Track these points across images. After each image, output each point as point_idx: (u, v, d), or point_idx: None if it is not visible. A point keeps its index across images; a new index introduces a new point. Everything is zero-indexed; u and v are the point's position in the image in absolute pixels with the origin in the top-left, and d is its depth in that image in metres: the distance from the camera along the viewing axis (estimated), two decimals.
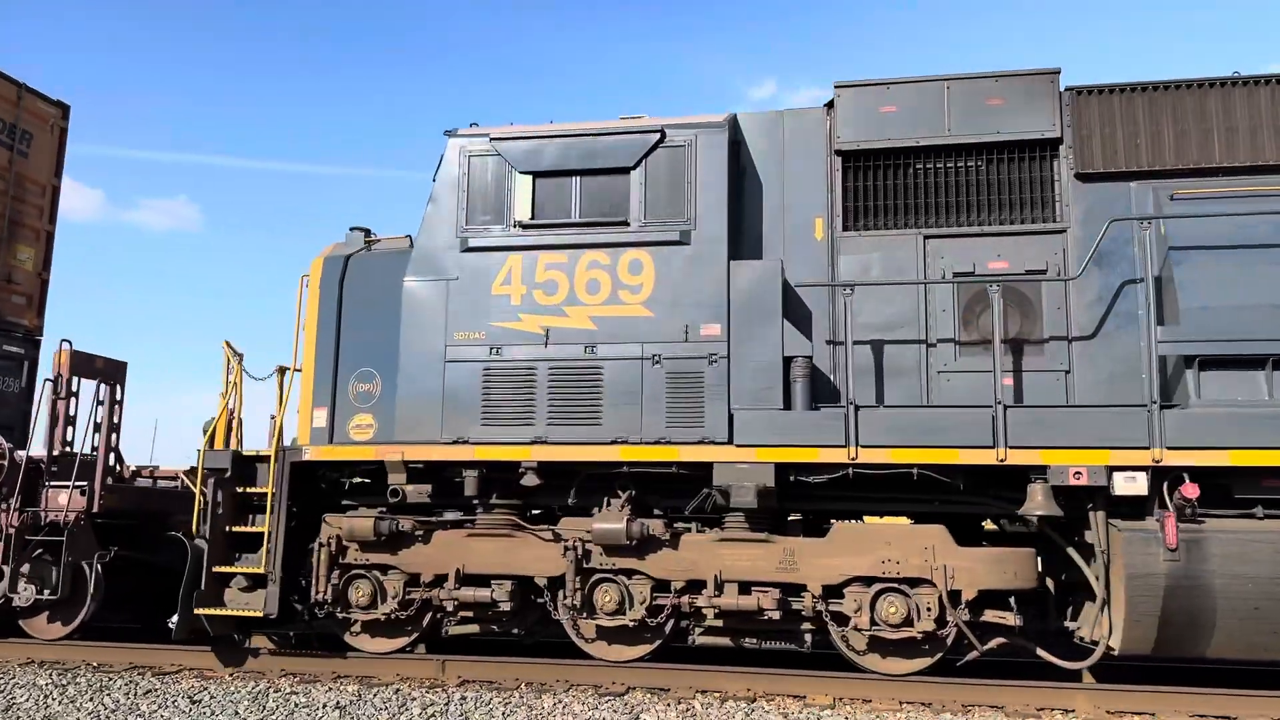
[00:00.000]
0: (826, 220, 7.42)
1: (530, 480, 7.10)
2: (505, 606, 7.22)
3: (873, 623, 6.77)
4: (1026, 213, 7.17)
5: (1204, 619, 6.15)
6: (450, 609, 7.32)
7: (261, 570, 7.46)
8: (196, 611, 7.45)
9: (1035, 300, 7.05)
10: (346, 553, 7.49)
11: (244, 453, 7.74)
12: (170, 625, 7.53)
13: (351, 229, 8.04)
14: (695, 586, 7.03)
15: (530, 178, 7.40)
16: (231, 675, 7.45)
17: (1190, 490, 6.20)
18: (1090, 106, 7.14)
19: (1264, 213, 6.60)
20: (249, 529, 7.65)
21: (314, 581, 7.43)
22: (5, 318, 9.40)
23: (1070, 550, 6.73)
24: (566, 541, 7.11)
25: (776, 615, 6.83)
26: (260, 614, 7.41)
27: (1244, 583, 6.07)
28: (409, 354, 7.36)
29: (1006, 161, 7.23)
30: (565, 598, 7.12)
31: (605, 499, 7.22)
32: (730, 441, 6.79)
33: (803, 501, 7.07)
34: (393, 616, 7.41)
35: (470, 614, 7.41)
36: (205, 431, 7.91)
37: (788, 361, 6.87)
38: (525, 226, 7.35)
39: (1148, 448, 6.26)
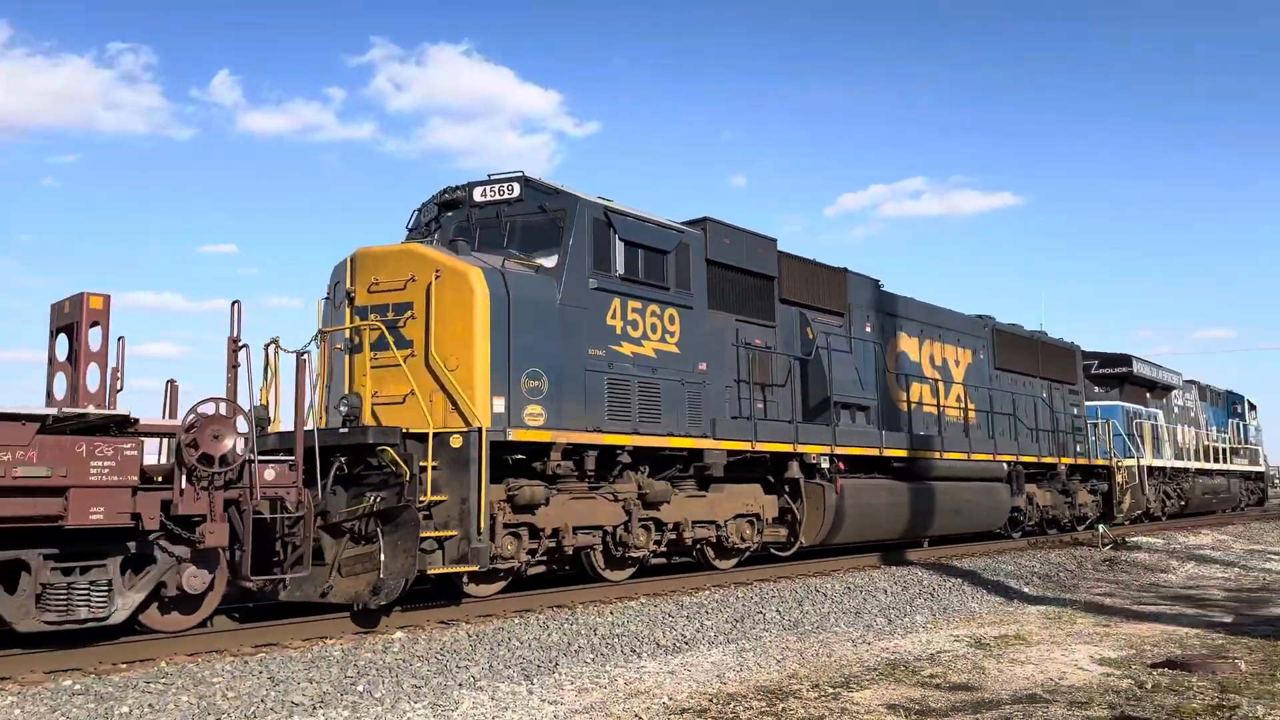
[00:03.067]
0: None
1: (625, 459, 10.20)
2: (597, 546, 10.07)
3: (732, 536, 11.91)
4: (764, 315, 13.13)
5: (846, 524, 13.18)
6: (570, 552, 9.77)
7: (453, 534, 8.63)
8: (432, 571, 8.25)
9: (769, 361, 13.09)
10: (503, 514, 9.17)
11: (445, 432, 8.61)
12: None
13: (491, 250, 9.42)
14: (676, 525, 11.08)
15: (623, 243, 10.39)
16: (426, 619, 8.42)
17: (841, 465, 13.22)
18: (786, 262, 13.52)
19: (844, 335, 14.04)
20: (434, 497, 8.59)
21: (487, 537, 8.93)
22: None
23: (787, 495, 13.02)
24: (622, 501, 10.39)
25: (710, 537, 11.47)
26: (477, 567, 8.63)
27: (860, 505, 13.35)
28: (565, 361, 9.57)
29: (761, 285, 13.10)
30: (624, 537, 10.37)
31: (621, 469, 10.63)
32: (712, 435, 11.19)
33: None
34: (532, 562, 9.45)
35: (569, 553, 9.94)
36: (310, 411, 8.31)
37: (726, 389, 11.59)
38: (621, 278, 10.32)
39: (830, 445, 13.05)
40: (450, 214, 10.55)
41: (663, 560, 12.06)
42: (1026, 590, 12.56)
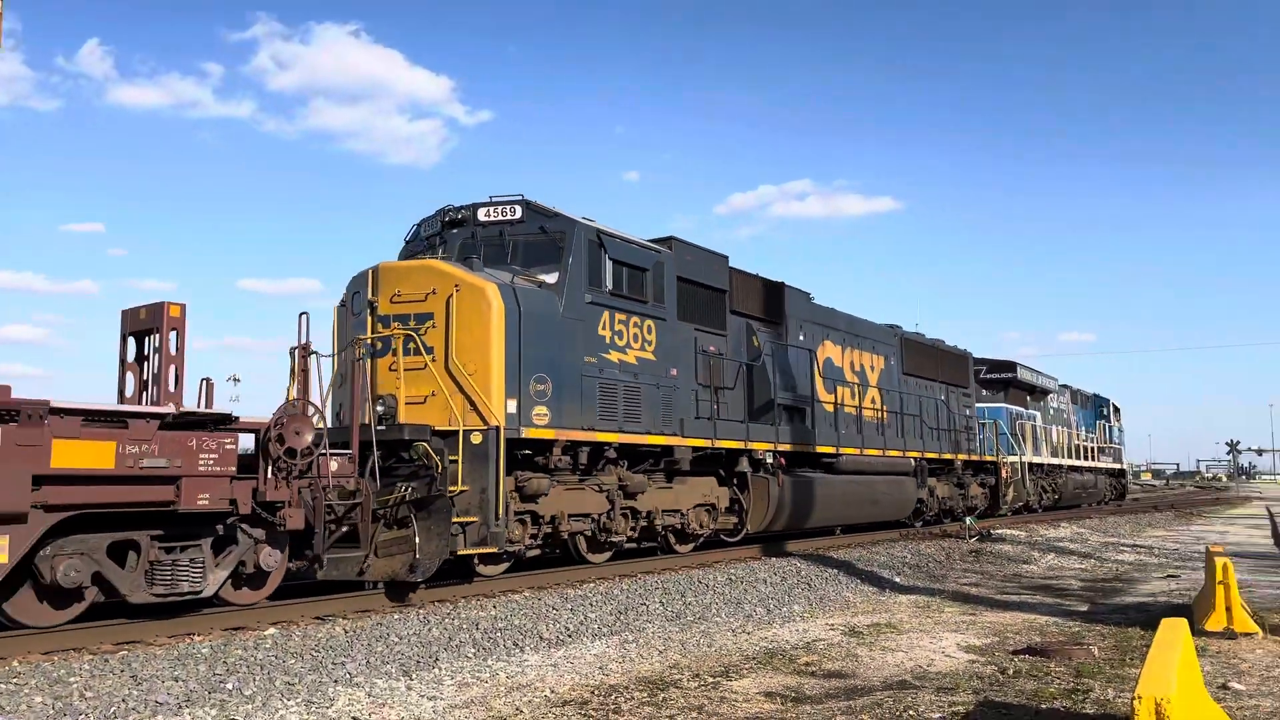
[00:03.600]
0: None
1: (611, 454, 11.44)
2: (587, 533, 11.28)
3: (691, 523, 13.28)
4: (718, 324, 14.53)
5: (786, 513, 14.70)
6: (565, 537, 10.96)
7: (474, 519, 9.73)
8: (460, 552, 9.33)
9: (721, 366, 14.50)
10: (513, 503, 10.30)
11: (468, 429, 9.69)
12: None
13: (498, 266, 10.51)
14: (650, 513, 12.37)
15: (612, 262, 11.61)
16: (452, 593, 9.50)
17: (782, 460, 14.75)
18: (735, 277, 14.96)
19: (783, 343, 15.58)
20: (459, 488, 9.66)
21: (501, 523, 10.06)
22: None
23: (735, 485, 14.45)
24: (606, 492, 11.64)
25: (676, 525, 12.81)
26: (495, 550, 9.75)
27: (798, 497, 14.90)
28: (565, 367, 10.76)
29: (716, 297, 14.49)
30: (606, 524, 11.62)
31: (605, 464, 11.88)
32: (681, 434, 12.53)
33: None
34: (533, 545, 10.60)
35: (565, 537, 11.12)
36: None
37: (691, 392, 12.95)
38: (610, 293, 11.54)
39: (774, 442, 14.55)
40: (455, 231, 11.59)
41: (634, 545, 13.34)
42: (898, 580, 13.09)
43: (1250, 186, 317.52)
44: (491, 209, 11.50)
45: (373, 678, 6.73)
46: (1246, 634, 8.57)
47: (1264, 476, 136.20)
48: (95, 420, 6.84)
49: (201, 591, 7.65)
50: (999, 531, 19.67)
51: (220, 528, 7.83)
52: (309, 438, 8.00)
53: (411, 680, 6.73)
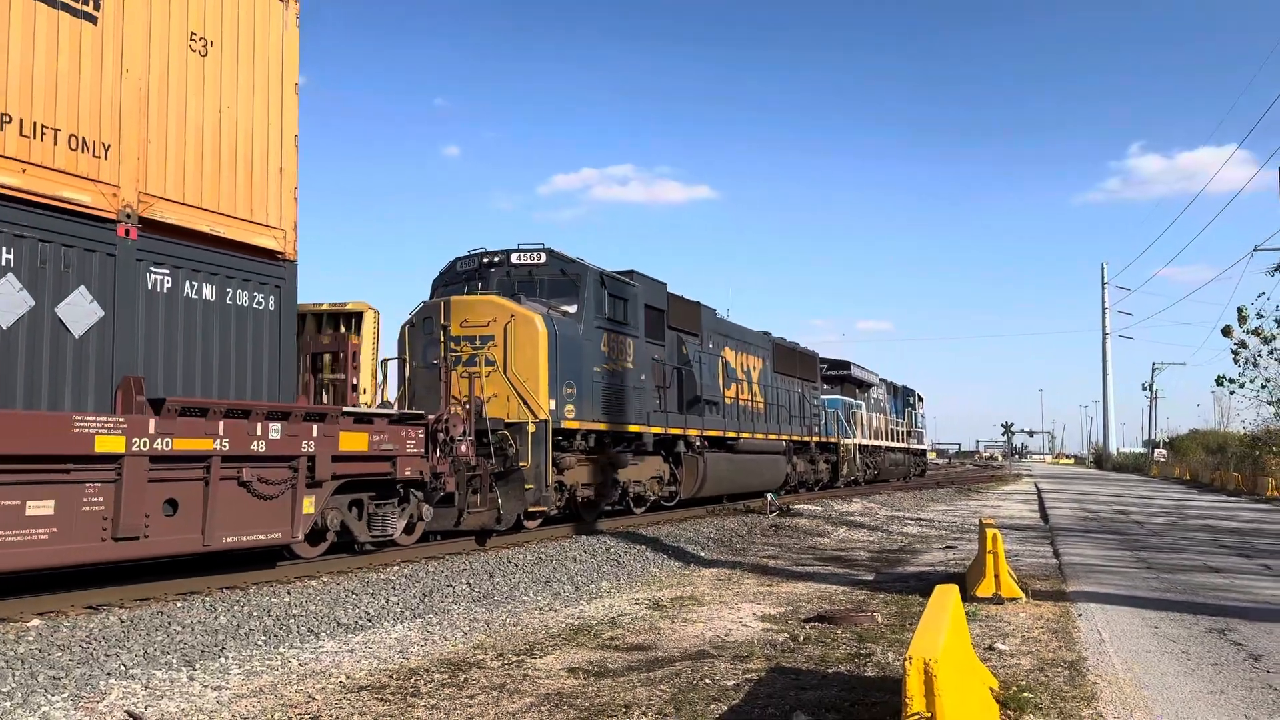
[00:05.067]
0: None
1: (607, 440, 15.46)
2: (591, 496, 15.30)
3: (648, 491, 17.48)
4: (660, 337, 18.67)
5: (708, 483, 19.10)
6: (579, 500, 14.91)
7: (531, 486, 13.53)
8: (531, 509, 13.16)
9: (664, 370, 18.67)
10: (551, 475, 14.14)
11: (524, 421, 13.46)
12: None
13: (537, 299, 14.30)
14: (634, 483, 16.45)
15: (610, 296, 15.59)
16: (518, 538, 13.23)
17: (705, 443, 19.13)
18: (671, 299, 19.15)
19: (701, 350, 19.95)
20: (523, 464, 13.43)
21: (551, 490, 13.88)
22: None
23: (673, 462, 18.70)
24: (602, 467, 15.65)
25: (639, 492, 16.98)
26: (547, 509, 13.59)
27: (716, 471, 19.33)
28: (583, 376, 14.66)
29: (660, 315, 18.64)
30: (600, 490, 15.64)
31: (602, 446, 15.86)
32: (648, 424, 16.69)
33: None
34: (559, 507, 14.50)
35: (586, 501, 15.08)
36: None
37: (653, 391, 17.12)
38: (608, 319, 15.53)
39: (700, 429, 18.91)
40: (491, 270, 15.25)
41: (610, 507, 17.45)
42: (703, 555, 13.56)
43: (1031, 185, 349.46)
44: (522, 254, 15.27)
45: (151, 669, 6.39)
46: (1013, 599, 9.18)
47: (1034, 455, 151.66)
48: (357, 420, 10.33)
49: (394, 535, 11.21)
50: (797, 507, 20.71)
51: (401, 491, 11.38)
52: (460, 429, 11.68)
53: (194, 670, 6.46)
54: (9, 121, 7.41)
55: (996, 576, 9.34)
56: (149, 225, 8.44)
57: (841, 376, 33.27)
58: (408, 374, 14.43)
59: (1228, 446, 48.11)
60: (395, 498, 11.27)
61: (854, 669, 6.48)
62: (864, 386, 35.81)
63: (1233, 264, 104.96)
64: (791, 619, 8.45)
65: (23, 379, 7.47)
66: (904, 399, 43.04)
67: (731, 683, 6.15)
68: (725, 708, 5.60)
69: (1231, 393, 37.90)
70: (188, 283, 8.78)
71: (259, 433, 8.91)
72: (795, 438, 25.62)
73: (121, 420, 7.78)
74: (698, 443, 18.81)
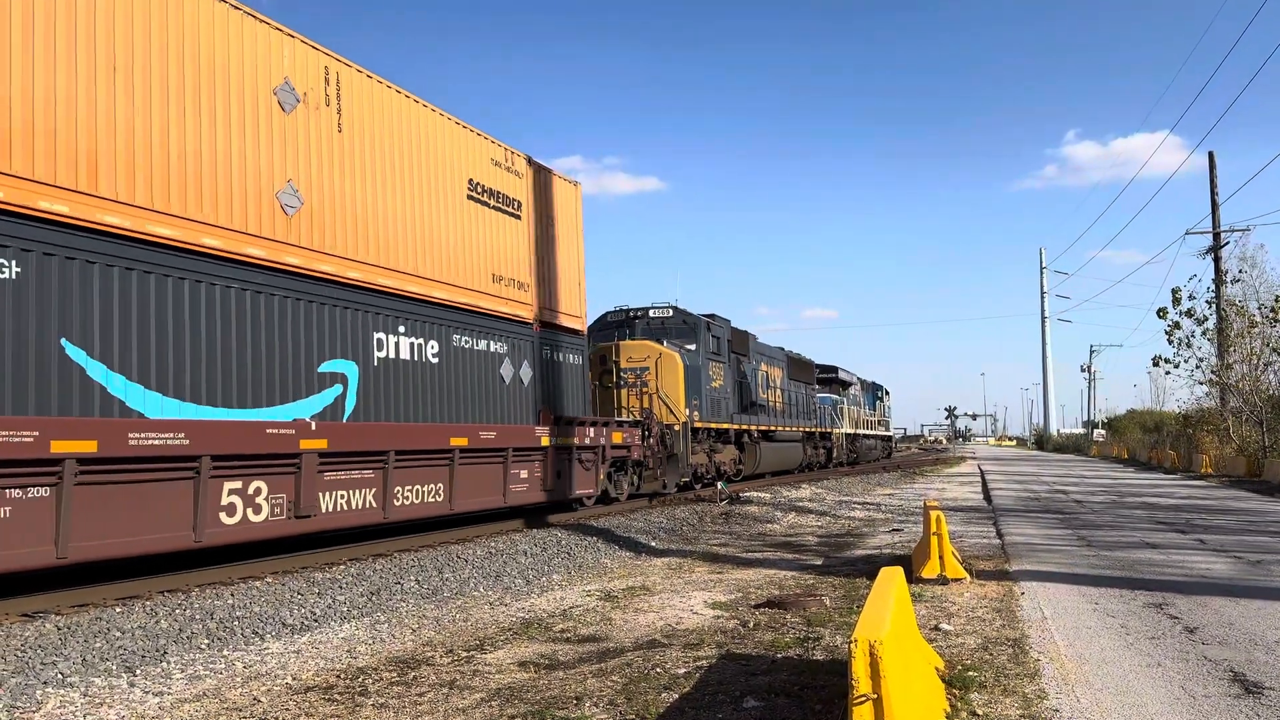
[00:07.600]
0: None
1: (712, 434, 23.06)
2: (709, 478, 22.91)
3: (729, 469, 25.05)
4: (728, 360, 26.17)
5: (762, 463, 26.80)
6: (707, 478, 22.52)
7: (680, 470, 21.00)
8: (681, 481, 20.76)
9: (732, 383, 26.17)
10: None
11: (673, 423, 20.96)
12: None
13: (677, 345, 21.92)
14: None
15: (713, 337, 23.21)
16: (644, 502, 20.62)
17: (760, 435, 26.81)
18: (733, 332, 26.68)
19: (752, 367, 27.62)
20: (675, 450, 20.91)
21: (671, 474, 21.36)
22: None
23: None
24: (713, 454, 23.21)
25: (726, 471, 24.67)
26: (684, 480, 21.18)
27: (768, 454, 27.05)
28: (701, 393, 22.24)
29: (726, 343, 26.11)
30: (709, 469, 23.22)
31: (706, 439, 23.40)
32: (731, 423, 24.34)
33: None
34: (688, 483, 22.09)
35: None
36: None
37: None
38: (711, 354, 23.13)
39: (754, 425, 26.58)
40: (636, 321, 22.73)
41: (680, 487, 24.91)
42: (654, 544, 13.33)
43: (970, 173, 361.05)
44: (656, 310, 22.81)
45: (90, 676, 6.26)
46: (957, 579, 9.06)
47: (978, 438, 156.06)
48: (618, 424, 17.79)
49: (622, 496, 18.56)
50: (747, 494, 21.06)
51: (624, 465, 18.72)
52: (655, 429, 19.24)
53: (135, 676, 6.31)
54: (501, 279, 14.82)
55: (941, 558, 9.31)
56: (544, 324, 15.88)
57: (830, 378, 41.18)
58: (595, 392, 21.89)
59: (1164, 425, 49.31)
60: (624, 471, 18.71)
61: (803, 653, 6.47)
62: (846, 385, 43.78)
63: (1165, 247, 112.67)
64: (742, 605, 8.38)
65: (511, 408, 14.86)
66: (874, 393, 51.19)
67: (683, 671, 6.09)
68: (676, 696, 5.53)
69: (1167, 373, 39.17)
70: (559, 354, 16.29)
71: (590, 434, 16.40)
72: (805, 429, 33.44)
73: (545, 427, 15.23)
74: (755, 434, 26.48)
